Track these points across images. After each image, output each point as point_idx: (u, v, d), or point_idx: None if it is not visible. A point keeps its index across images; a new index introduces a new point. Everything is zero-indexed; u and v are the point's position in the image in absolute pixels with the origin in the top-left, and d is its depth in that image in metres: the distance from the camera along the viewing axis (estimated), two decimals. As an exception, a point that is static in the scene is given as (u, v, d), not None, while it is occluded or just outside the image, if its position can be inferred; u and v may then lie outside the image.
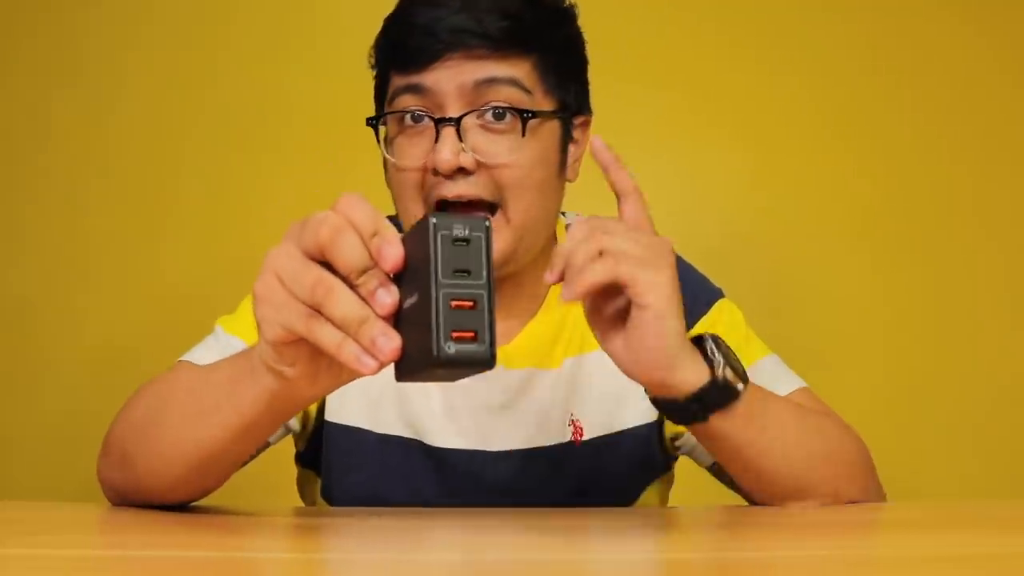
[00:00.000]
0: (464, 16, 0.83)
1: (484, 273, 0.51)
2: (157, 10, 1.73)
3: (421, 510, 0.81)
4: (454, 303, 0.50)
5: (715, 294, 0.98)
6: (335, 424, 0.91)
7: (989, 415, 1.62)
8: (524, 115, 0.84)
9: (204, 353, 0.86)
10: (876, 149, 1.67)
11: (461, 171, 0.83)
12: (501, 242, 0.84)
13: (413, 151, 0.85)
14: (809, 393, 0.91)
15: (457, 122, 0.83)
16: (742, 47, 1.69)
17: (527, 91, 0.85)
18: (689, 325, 0.95)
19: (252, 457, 0.78)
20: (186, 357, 0.87)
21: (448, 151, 0.81)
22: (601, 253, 0.67)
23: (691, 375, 0.71)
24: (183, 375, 0.76)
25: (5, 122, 1.72)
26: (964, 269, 1.65)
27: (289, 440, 0.96)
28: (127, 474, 0.75)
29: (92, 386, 1.64)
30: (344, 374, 0.59)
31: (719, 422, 0.73)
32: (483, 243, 0.51)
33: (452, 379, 0.55)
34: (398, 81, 0.86)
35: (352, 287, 0.54)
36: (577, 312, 0.97)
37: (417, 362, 0.52)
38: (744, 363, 0.92)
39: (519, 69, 0.85)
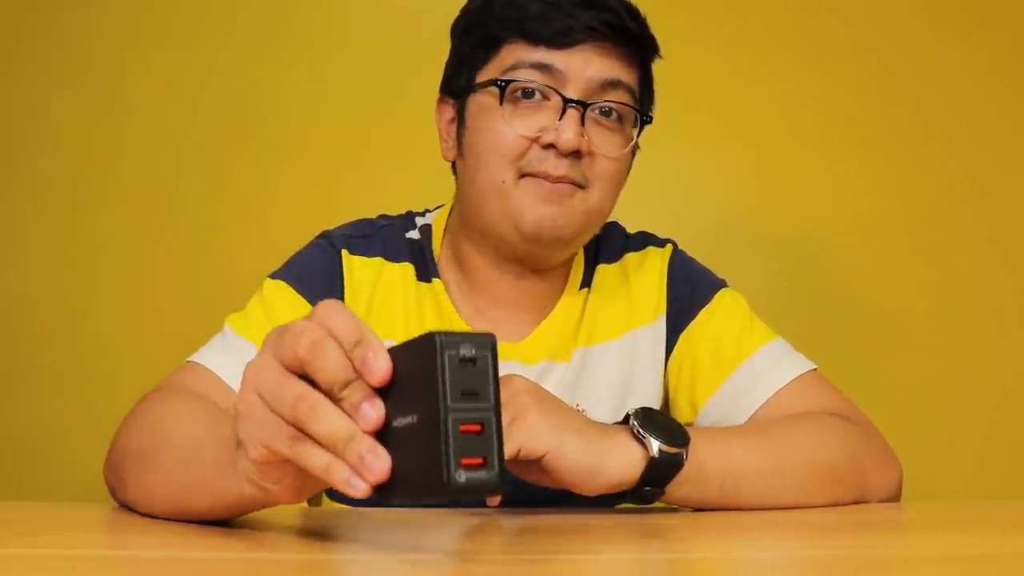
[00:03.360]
0: (605, 9, 0.87)
1: (491, 394, 0.47)
2: (157, 10, 1.73)
3: (424, 510, 0.81)
4: (462, 427, 0.46)
5: (716, 285, 0.98)
6: None
7: (990, 417, 1.62)
8: (643, 118, 0.91)
9: (212, 353, 0.86)
10: (877, 149, 1.67)
11: (573, 153, 0.86)
12: (579, 214, 0.89)
13: (527, 121, 0.87)
14: (814, 377, 0.91)
15: (585, 107, 0.86)
16: (742, 47, 1.69)
17: (636, 99, 0.91)
18: (691, 317, 0.96)
19: None
20: (195, 358, 0.86)
21: (573, 132, 0.85)
22: None
23: (625, 466, 0.71)
24: (187, 412, 0.72)
25: (5, 122, 1.72)
26: (964, 269, 1.65)
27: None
28: (124, 493, 0.75)
29: (92, 386, 1.64)
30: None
31: (677, 491, 0.74)
32: (489, 362, 0.47)
33: (445, 502, 0.53)
34: (524, 53, 0.87)
35: (335, 401, 0.50)
36: (592, 305, 0.97)
37: (412, 486, 0.49)
38: (745, 351, 0.92)
39: (632, 76, 0.90)
